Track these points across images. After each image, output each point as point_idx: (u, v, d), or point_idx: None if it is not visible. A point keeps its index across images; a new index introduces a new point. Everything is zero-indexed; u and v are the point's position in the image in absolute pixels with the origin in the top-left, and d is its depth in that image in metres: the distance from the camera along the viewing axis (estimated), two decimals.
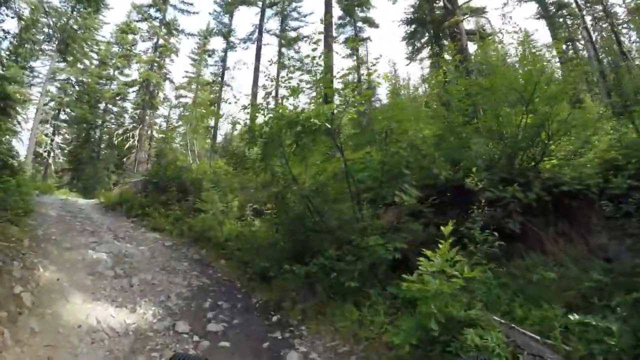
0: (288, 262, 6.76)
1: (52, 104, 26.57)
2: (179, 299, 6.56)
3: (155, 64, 28.90)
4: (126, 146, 26.47)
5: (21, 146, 23.74)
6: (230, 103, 19.99)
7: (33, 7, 20.87)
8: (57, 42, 11.96)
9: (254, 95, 21.87)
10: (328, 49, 13.57)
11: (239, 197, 11.93)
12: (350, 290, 5.89)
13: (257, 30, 26.55)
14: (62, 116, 27.92)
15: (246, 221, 10.39)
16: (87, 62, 28.05)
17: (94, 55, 28.62)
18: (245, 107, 7.89)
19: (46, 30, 25.19)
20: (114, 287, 6.83)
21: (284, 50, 28.19)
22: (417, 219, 6.61)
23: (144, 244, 9.97)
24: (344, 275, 5.93)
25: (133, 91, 29.04)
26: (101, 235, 9.80)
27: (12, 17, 11.33)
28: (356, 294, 5.95)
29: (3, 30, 11.03)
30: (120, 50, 29.12)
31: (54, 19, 24.78)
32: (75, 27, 26.15)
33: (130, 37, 29.45)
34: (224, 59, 30.77)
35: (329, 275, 6.05)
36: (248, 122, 8.40)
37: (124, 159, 27.49)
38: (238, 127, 8.91)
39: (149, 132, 30.10)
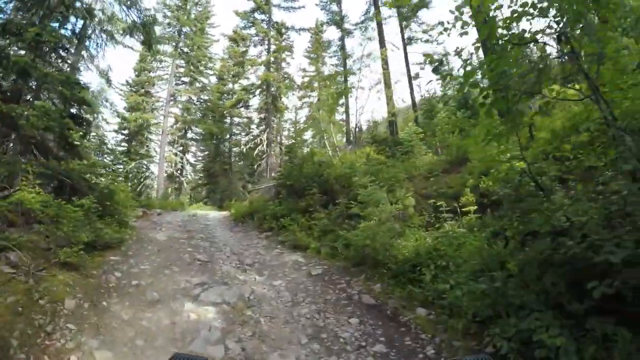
0: None
1: (178, 124, 26.73)
2: None
3: (272, 66, 26.99)
4: (255, 152, 24.88)
5: (156, 168, 24.73)
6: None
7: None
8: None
9: (385, 61, 18.00)
10: None
11: (409, 192, 7.47)
12: None
13: (372, 5, 22.69)
14: (190, 134, 27.97)
15: (441, 227, 5.80)
16: (204, 80, 28.10)
17: (209, 72, 28.38)
18: None
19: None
20: None
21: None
22: None
23: (280, 275, 6.24)
24: None
25: (254, 95, 27.42)
26: (217, 267, 6.38)
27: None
28: None
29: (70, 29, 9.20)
30: (233, 61, 28.07)
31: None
32: (185, 50, 26.40)
33: (241, 48, 28.21)
34: (342, 47, 27.45)
35: None
36: None
37: (256, 167, 25.94)
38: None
39: (278, 138, 28.45)
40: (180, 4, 25.99)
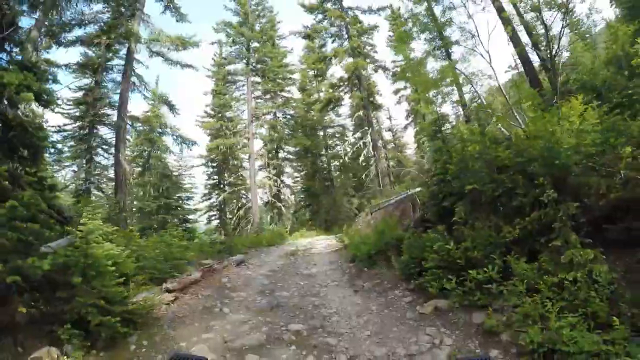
0: None
1: (267, 146, 24.15)
2: None
3: (359, 54, 22.54)
4: (361, 159, 21.03)
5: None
6: None
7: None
8: None
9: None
10: None
11: None
12: None
13: None
14: (281, 154, 25.07)
15: None
16: (285, 94, 25.42)
17: (289, 82, 25.60)
18: None
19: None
20: None
21: None
22: None
23: None
24: None
25: (345, 92, 23.63)
26: None
27: None
28: None
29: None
30: (312, 59, 24.34)
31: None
32: (258, 66, 24.07)
33: (317, 44, 24.42)
34: (434, 18, 21.84)
35: None
36: None
37: (364, 176, 21.80)
38: None
39: (380, 142, 23.56)
40: (242, 20, 23.72)
